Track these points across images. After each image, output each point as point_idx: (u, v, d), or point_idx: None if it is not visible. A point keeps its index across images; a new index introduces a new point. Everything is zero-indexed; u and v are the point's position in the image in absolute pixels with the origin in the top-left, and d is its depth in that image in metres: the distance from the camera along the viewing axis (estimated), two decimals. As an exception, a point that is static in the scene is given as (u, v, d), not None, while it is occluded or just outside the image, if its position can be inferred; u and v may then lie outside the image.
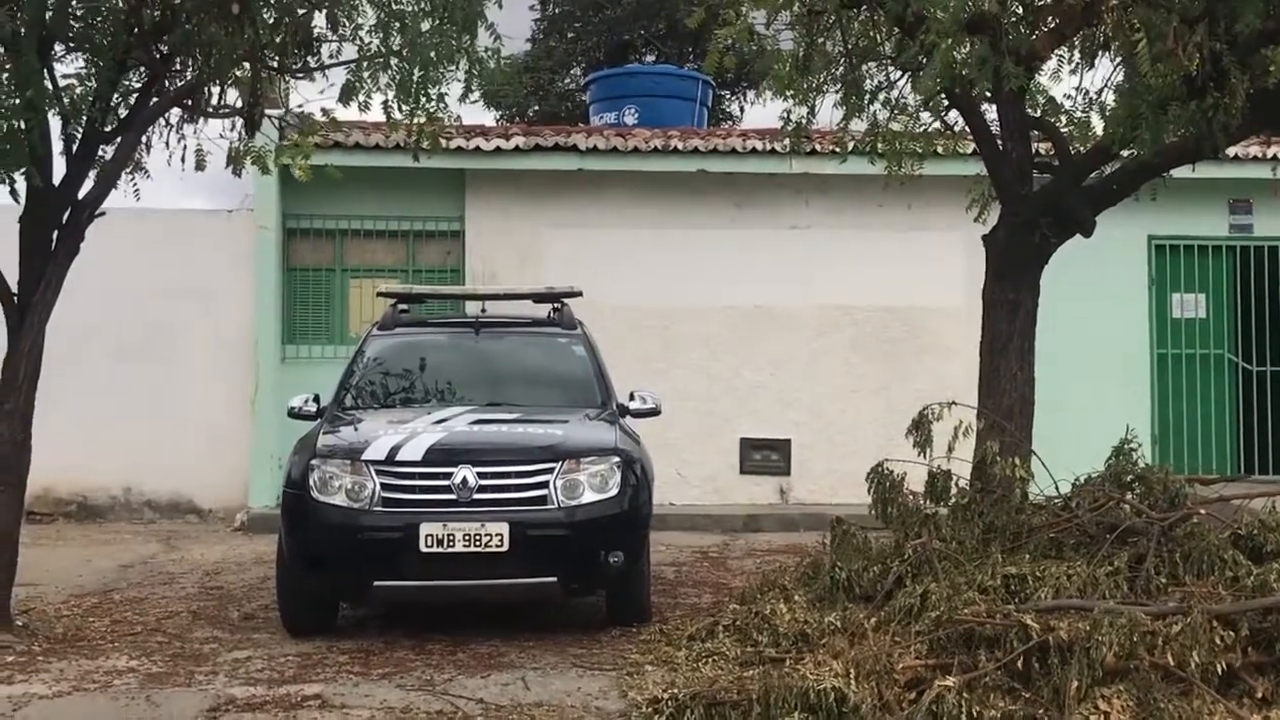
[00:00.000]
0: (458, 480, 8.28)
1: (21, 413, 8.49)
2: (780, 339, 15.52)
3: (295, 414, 9.61)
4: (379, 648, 8.33)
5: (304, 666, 7.90)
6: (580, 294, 10.64)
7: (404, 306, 10.70)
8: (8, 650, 8.23)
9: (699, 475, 15.24)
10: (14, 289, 8.66)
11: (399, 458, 8.40)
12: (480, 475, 8.30)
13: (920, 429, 8.51)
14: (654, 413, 9.84)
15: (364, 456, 8.42)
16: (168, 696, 7.25)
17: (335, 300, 15.30)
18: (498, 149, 14.88)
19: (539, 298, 10.71)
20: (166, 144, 9.32)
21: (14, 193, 8.20)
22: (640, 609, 8.92)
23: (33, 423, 8.68)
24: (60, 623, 9.06)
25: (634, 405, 9.81)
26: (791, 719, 6.53)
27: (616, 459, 8.62)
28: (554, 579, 8.37)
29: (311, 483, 8.42)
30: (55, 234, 8.59)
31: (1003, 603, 7.29)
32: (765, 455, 15.38)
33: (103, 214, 8.73)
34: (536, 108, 26.62)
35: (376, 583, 8.31)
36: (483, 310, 10.75)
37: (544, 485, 8.39)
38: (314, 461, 8.49)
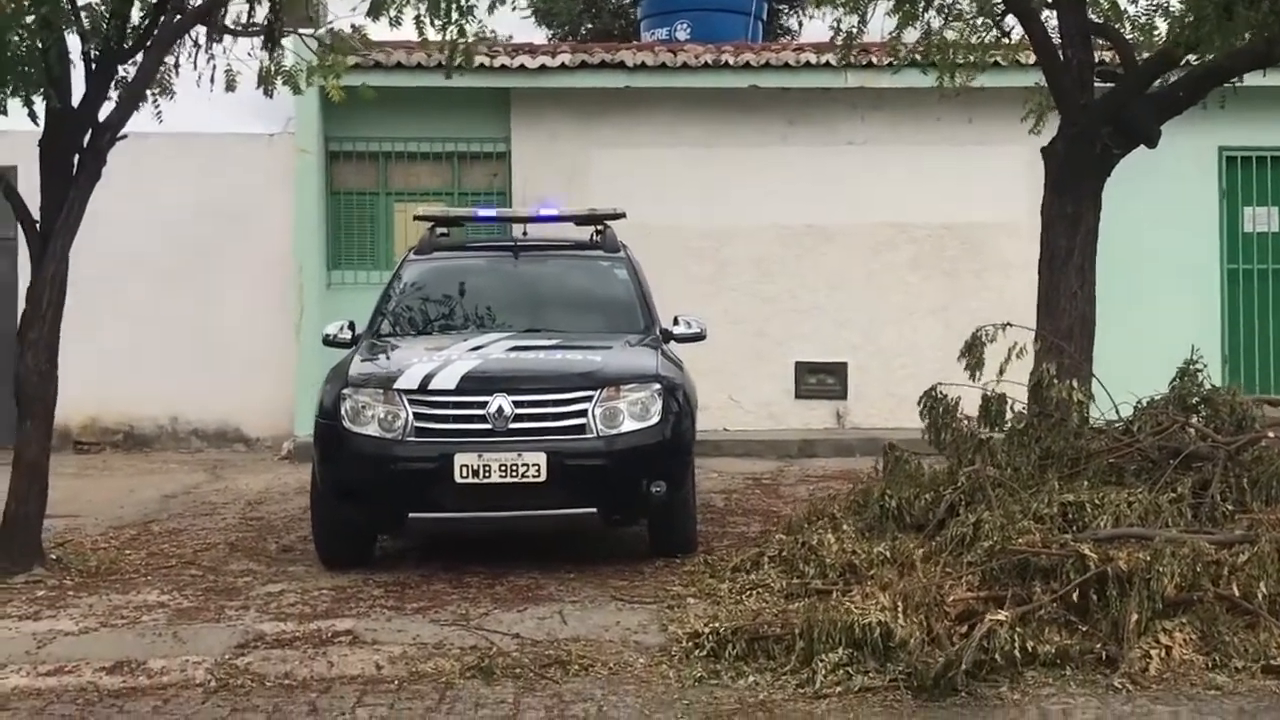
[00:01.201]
0: (493, 409, 8.03)
1: (46, 342, 8.27)
2: (835, 259, 15.11)
3: (330, 341, 9.41)
4: (415, 581, 8.12)
5: (338, 600, 7.70)
6: (624, 215, 10.26)
7: (444, 230, 10.39)
8: (39, 585, 8.09)
9: (752, 400, 14.92)
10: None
11: (432, 386, 8.16)
12: (516, 404, 8.05)
13: (972, 351, 8.16)
14: (699, 337, 9.55)
15: (396, 385, 8.18)
16: (195, 632, 7.07)
17: (380, 225, 15.05)
18: (543, 67, 14.51)
19: (581, 220, 10.38)
20: (195, 64, 9.06)
21: (32, 114, 7.96)
22: (685, 539, 8.65)
23: (59, 352, 8.45)
24: (95, 556, 8.90)
25: (678, 330, 9.52)
26: (835, 654, 6.30)
27: (657, 386, 8.33)
28: (594, 509, 8.13)
29: (343, 412, 8.20)
30: (76, 158, 8.34)
31: (1059, 532, 7.03)
32: (820, 379, 15.04)
33: (124, 137, 8.46)
34: (589, 25, 26.15)
35: (411, 514, 8.10)
36: (524, 233, 10.44)
37: (582, 414, 8.12)
38: (346, 391, 8.27)
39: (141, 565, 8.73)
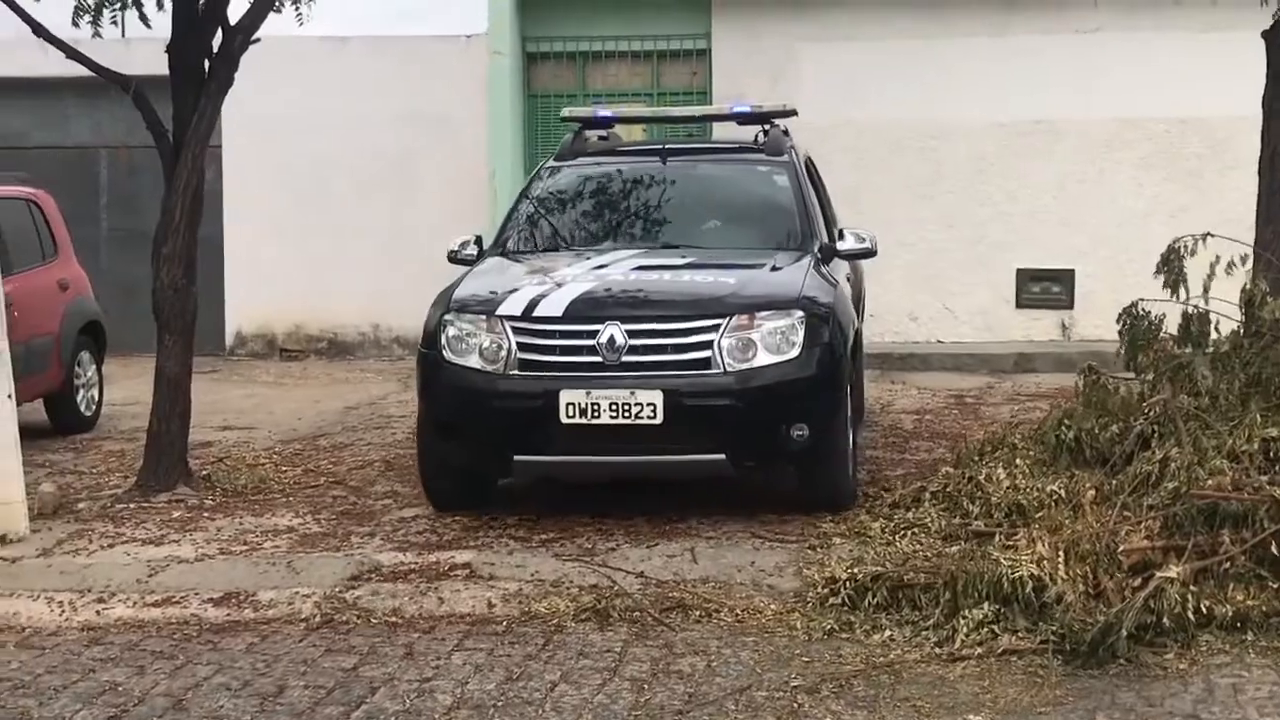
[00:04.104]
0: (604, 339, 7.09)
1: (182, 256, 8.00)
2: (1062, 157, 14.14)
3: (454, 258, 8.59)
4: (552, 512, 7.54)
5: (466, 530, 7.30)
6: (795, 113, 9.31)
7: (604, 134, 9.46)
8: (178, 505, 7.89)
9: (968, 309, 14.12)
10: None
11: (537, 313, 7.26)
12: (630, 334, 7.09)
13: (1169, 265, 7.27)
14: (868, 254, 8.47)
15: (499, 311, 7.31)
16: (311, 562, 6.77)
17: (579, 128, 14.57)
18: (744, -43, 13.81)
19: (744, 118, 9.28)
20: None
21: (143, 17, 7.65)
22: (834, 490, 7.49)
23: (196, 266, 8.20)
24: (246, 474, 8.65)
25: (843, 246, 8.36)
26: (981, 610, 5.62)
27: (800, 313, 7.22)
28: (721, 456, 7.15)
29: (443, 341, 7.38)
30: (206, 64, 8.02)
31: (1259, 472, 6.15)
32: (1045, 287, 14.15)
33: (257, 40, 8.09)
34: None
35: (516, 457, 7.28)
36: (691, 135, 9.71)
37: (707, 345, 7.11)
38: (447, 317, 7.43)
39: (289, 485, 8.49)
